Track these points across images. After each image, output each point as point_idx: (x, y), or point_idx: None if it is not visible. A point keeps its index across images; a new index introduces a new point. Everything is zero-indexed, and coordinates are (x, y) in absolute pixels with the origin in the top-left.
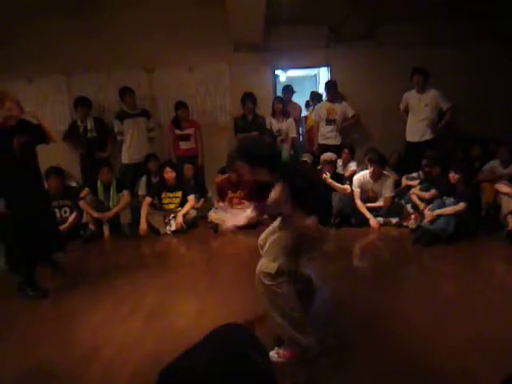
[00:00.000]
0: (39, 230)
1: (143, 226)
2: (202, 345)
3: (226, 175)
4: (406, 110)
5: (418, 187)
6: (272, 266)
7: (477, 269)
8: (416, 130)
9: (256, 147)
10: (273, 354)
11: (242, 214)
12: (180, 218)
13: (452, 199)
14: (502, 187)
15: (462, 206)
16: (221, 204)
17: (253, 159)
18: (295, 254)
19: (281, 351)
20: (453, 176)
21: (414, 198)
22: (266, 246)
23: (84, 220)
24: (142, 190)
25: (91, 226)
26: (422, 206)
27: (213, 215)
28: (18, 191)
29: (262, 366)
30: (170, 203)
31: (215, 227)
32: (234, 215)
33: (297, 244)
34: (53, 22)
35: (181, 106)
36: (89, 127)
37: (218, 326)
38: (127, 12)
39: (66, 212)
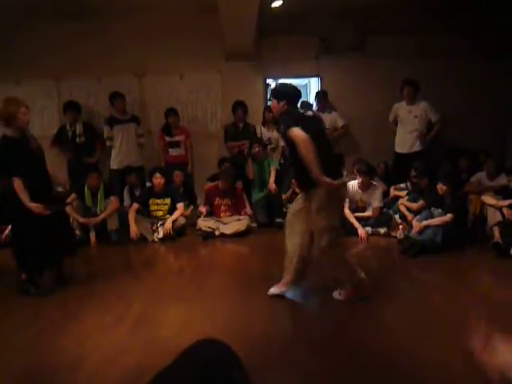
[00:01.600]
0: (55, 231)
1: (133, 228)
2: (181, 363)
3: (215, 182)
4: (396, 122)
5: (406, 198)
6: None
7: (463, 280)
8: (405, 141)
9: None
10: (335, 294)
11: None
12: (169, 224)
13: (440, 210)
14: (488, 199)
15: (449, 217)
16: (202, 209)
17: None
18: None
19: (341, 291)
20: (441, 187)
21: (402, 208)
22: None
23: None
24: (126, 201)
25: (78, 232)
26: (409, 216)
27: (202, 223)
28: (39, 191)
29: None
30: (158, 210)
31: (204, 235)
32: (223, 223)
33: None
34: (44, 26)
35: (171, 112)
36: (77, 132)
37: (193, 342)
38: (119, 18)
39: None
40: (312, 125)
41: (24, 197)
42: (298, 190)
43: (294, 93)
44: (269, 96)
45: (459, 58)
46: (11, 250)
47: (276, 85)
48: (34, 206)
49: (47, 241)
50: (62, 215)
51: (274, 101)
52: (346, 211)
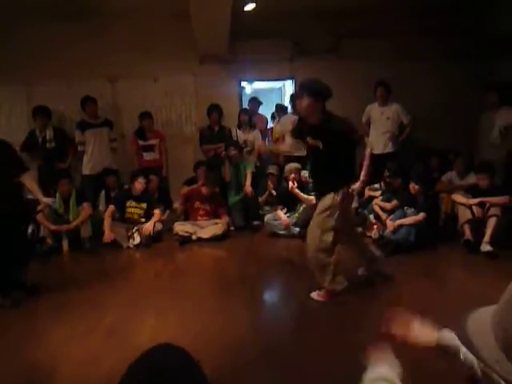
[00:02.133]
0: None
1: (108, 232)
2: (133, 369)
3: (195, 185)
4: (368, 123)
5: (380, 198)
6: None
7: (437, 277)
8: (377, 142)
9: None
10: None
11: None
12: (150, 226)
13: (412, 209)
14: (459, 198)
15: (421, 216)
16: (177, 207)
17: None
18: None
19: (320, 293)
20: (413, 187)
21: (377, 208)
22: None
23: (41, 234)
24: (102, 206)
25: (49, 240)
26: (384, 216)
27: (178, 227)
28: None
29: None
30: (133, 213)
31: (181, 240)
32: (200, 227)
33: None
34: (13, 30)
35: (146, 116)
36: (48, 137)
37: (148, 348)
38: (91, 23)
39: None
40: None
41: None
42: (274, 193)
43: (329, 92)
44: (296, 93)
45: (431, 60)
46: None
47: (307, 81)
48: None
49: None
50: (18, 225)
51: (309, 99)
52: None
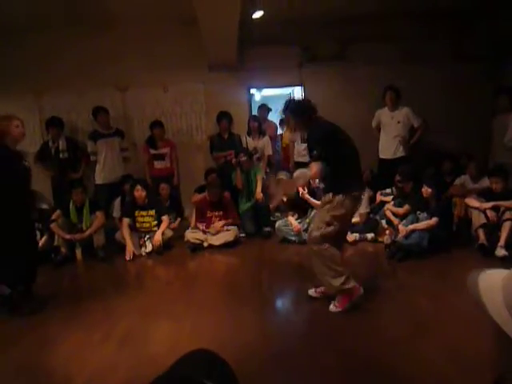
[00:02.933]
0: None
1: (130, 247)
2: (168, 373)
3: (203, 194)
4: (379, 128)
5: (392, 203)
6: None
7: (450, 282)
8: (388, 147)
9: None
10: (331, 307)
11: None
12: (159, 236)
13: (425, 214)
14: (472, 202)
15: (434, 220)
16: (200, 226)
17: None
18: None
19: (336, 303)
20: (426, 190)
21: (388, 213)
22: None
23: (55, 243)
24: (116, 212)
25: (63, 250)
26: (396, 221)
27: (190, 235)
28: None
29: None
30: (144, 222)
31: (192, 247)
32: (212, 234)
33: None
34: (23, 40)
35: (156, 125)
36: (61, 148)
37: (180, 357)
38: (101, 31)
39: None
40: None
41: None
42: (284, 199)
43: (307, 109)
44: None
45: (440, 64)
46: None
47: (286, 101)
48: None
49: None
50: (26, 233)
51: (290, 116)
52: None
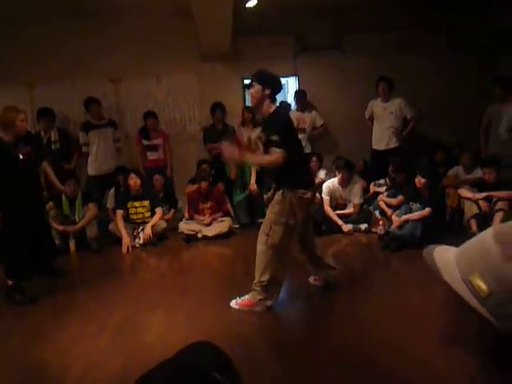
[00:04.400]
0: (37, 239)
1: (126, 239)
2: (161, 370)
3: (196, 186)
4: (372, 118)
5: (386, 194)
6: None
7: None
8: (381, 138)
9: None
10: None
11: None
12: (148, 230)
13: (418, 205)
14: (465, 192)
15: (427, 211)
16: (199, 218)
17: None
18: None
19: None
20: (419, 180)
21: (382, 204)
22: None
23: None
24: (110, 203)
25: (56, 241)
26: (389, 211)
27: (184, 226)
28: (18, 200)
29: None
30: (137, 213)
31: (186, 238)
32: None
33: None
34: (15, 32)
35: (150, 115)
36: (53, 139)
37: (182, 347)
38: (93, 23)
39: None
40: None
41: None
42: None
43: (279, 84)
44: (249, 82)
45: (435, 54)
46: None
47: (260, 70)
48: None
49: (34, 246)
50: (46, 221)
51: (258, 86)
52: (328, 209)
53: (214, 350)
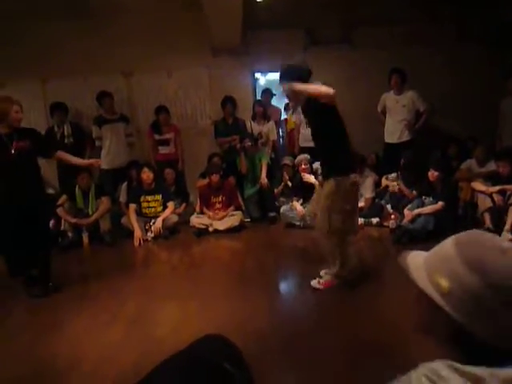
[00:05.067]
0: (33, 233)
1: (138, 233)
2: (173, 361)
3: (207, 180)
4: (384, 112)
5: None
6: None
7: None
8: (394, 131)
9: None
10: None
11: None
12: (159, 223)
13: (431, 198)
14: (478, 186)
15: (440, 204)
16: (210, 213)
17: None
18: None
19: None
20: (432, 174)
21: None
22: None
23: (62, 228)
24: (122, 197)
25: (70, 234)
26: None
27: (195, 220)
28: (12, 195)
29: (237, 377)
30: (149, 207)
31: (197, 232)
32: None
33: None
34: (28, 27)
35: (162, 110)
36: (66, 133)
37: (194, 340)
38: (105, 18)
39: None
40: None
41: None
42: (289, 184)
43: (305, 71)
44: (277, 83)
45: (446, 47)
46: None
47: (281, 69)
48: None
49: (28, 241)
50: (42, 214)
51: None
52: None
53: (225, 342)
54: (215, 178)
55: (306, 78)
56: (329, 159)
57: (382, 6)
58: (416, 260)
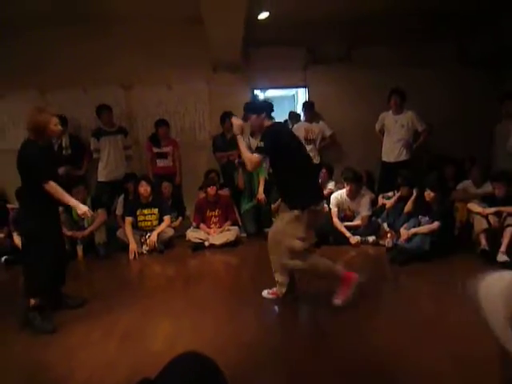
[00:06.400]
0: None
1: (133, 246)
2: (168, 375)
3: (204, 194)
4: (382, 131)
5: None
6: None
7: (451, 287)
8: (392, 150)
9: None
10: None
11: None
12: (154, 237)
13: (427, 218)
14: (474, 207)
15: (436, 224)
16: (205, 229)
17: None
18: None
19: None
20: (428, 194)
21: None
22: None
23: None
24: (119, 210)
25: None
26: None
27: (191, 234)
28: (55, 216)
29: None
30: (146, 221)
31: (193, 246)
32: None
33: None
34: (28, 36)
35: (162, 123)
36: (64, 145)
37: (176, 355)
38: (105, 29)
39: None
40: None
41: (66, 197)
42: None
43: (269, 105)
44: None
45: (444, 67)
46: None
47: (246, 103)
48: (81, 207)
49: (60, 262)
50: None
51: (253, 116)
52: (336, 220)
53: (199, 361)
54: (212, 190)
55: (269, 111)
56: (287, 192)
57: (383, 26)
58: (491, 289)
